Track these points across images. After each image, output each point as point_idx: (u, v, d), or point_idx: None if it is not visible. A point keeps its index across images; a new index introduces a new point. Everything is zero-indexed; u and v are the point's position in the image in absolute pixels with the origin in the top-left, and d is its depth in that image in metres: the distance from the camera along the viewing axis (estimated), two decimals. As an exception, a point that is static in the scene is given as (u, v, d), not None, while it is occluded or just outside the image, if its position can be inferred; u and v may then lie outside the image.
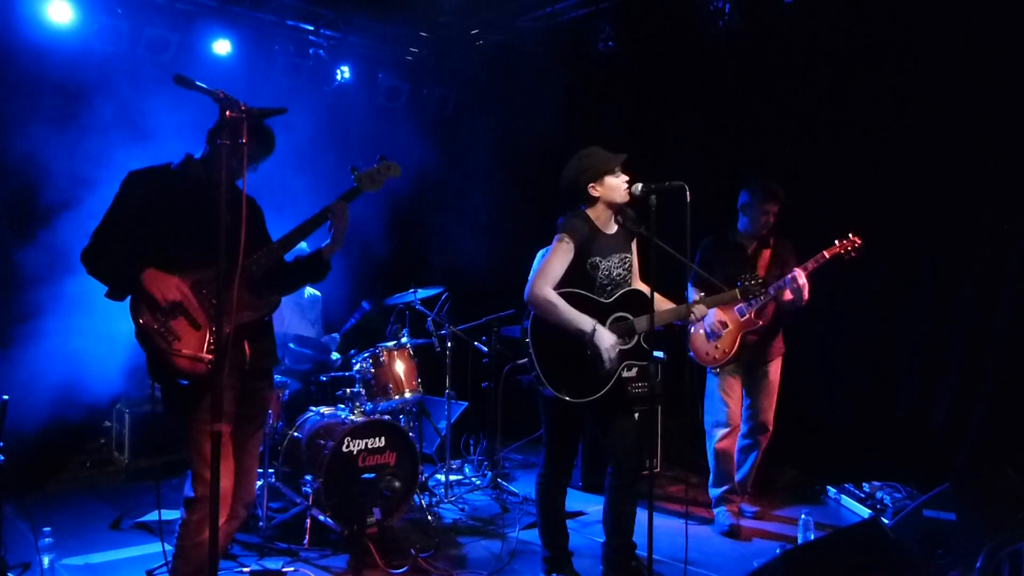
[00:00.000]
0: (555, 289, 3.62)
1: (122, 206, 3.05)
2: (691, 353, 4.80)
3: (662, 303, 3.76)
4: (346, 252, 3.58)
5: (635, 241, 3.91)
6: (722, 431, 4.79)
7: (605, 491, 3.87)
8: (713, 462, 4.86)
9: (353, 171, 3.28)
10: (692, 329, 4.69)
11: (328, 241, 3.29)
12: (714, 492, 4.88)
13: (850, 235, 4.43)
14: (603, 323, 3.62)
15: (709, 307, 3.91)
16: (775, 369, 4.81)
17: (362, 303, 5.59)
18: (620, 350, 3.61)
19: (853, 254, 4.42)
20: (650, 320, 3.47)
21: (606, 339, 3.54)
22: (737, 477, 4.89)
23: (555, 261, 3.64)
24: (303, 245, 3.35)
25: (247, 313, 3.08)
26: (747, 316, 4.61)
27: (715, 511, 4.86)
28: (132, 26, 5.83)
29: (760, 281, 3.93)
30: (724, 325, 4.65)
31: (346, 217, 3.24)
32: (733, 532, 4.68)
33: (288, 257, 3.28)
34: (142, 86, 5.60)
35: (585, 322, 3.55)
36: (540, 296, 3.57)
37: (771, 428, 4.82)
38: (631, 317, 3.68)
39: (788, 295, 4.48)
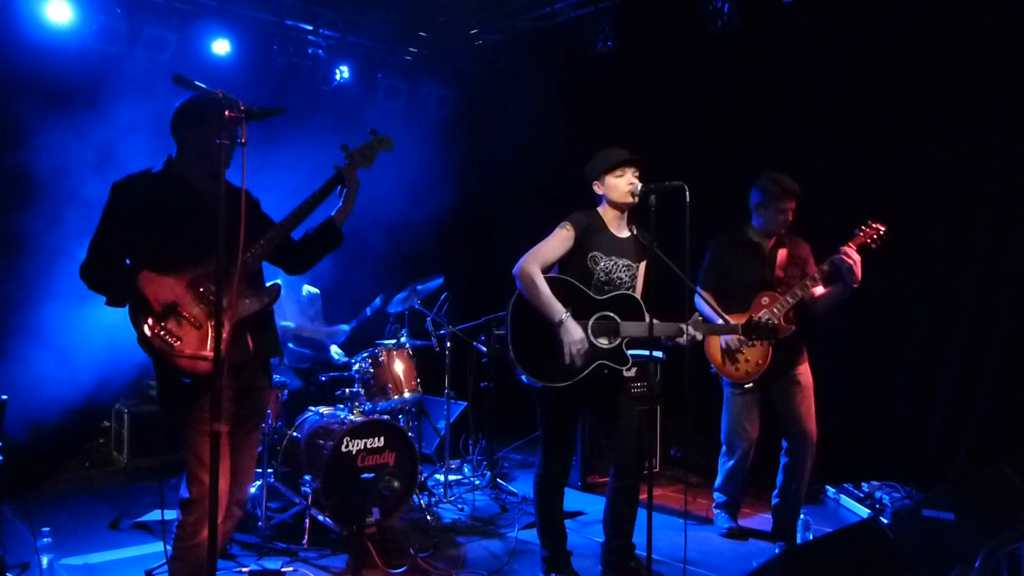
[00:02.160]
0: (553, 273, 3.66)
1: (111, 218, 3.05)
2: (713, 369, 4.49)
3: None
4: (344, 252, 3.57)
5: (646, 262, 3.86)
6: (738, 451, 4.56)
7: (607, 491, 3.88)
8: (722, 476, 4.68)
9: (344, 149, 3.27)
10: (722, 343, 4.39)
11: (339, 205, 3.28)
12: (717, 497, 4.76)
13: (870, 222, 4.17)
14: (588, 317, 3.63)
15: (704, 334, 3.74)
16: (805, 372, 4.44)
17: (376, 299, 5.58)
18: (598, 349, 3.62)
19: (879, 242, 4.15)
20: (648, 327, 3.45)
21: (572, 332, 3.54)
22: (785, 500, 4.50)
23: (551, 244, 3.70)
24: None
25: (248, 304, 3.07)
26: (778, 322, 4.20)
27: (715, 511, 4.80)
28: (131, 26, 5.84)
29: (773, 325, 3.67)
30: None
31: (357, 180, 3.24)
32: (732, 534, 4.63)
33: (295, 235, 3.27)
34: (141, 86, 5.59)
35: (556, 310, 3.56)
36: (526, 272, 3.61)
37: (815, 437, 4.38)
38: (617, 319, 3.67)
39: (820, 291, 4.25)
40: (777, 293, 4.32)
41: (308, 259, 3.42)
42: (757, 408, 4.52)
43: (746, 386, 4.45)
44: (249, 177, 2.66)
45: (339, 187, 3.24)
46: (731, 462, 4.63)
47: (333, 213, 3.31)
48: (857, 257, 4.09)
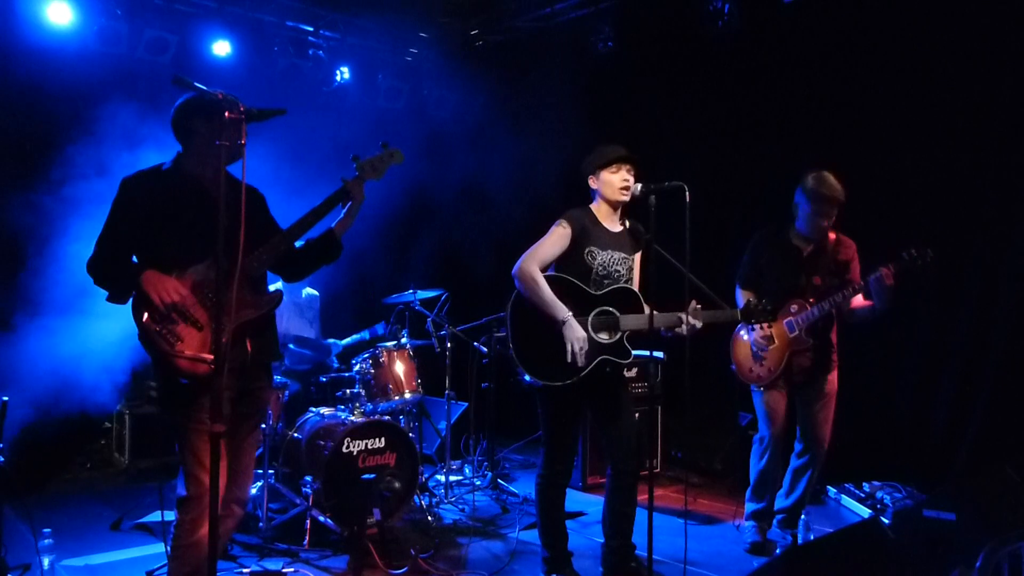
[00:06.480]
0: (550, 272, 3.68)
1: (119, 214, 3.05)
2: (733, 367, 4.43)
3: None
4: (344, 254, 3.57)
5: (640, 253, 3.90)
6: (768, 448, 4.37)
7: (605, 492, 3.88)
8: (755, 477, 4.47)
9: (355, 159, 3.29)
10: (744, 336, 4.36)
11: (341, 217, 3.30)
12: (750, 506, 4.54)
13: (923, 248, 3.90)
14: (587, 314, 3.63)
15: (703, 321, 3.65)
16: (831, 380, 4.34)
17: (379, 325, 5.58)
18: (600, 344, 3.62)
19: (925, 269, 3.91)
20: (649, 319, 3.46)
21: (576, 332, 3.55)
22: (788, 502, 4.44)
23: (548, 242, 3.72)
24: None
25: (249, 311, 3.08)
26: (796, 332, 4.16)
27: (746, 523, 4.57)
28: (131, 27, 5.85)
29: (771, 308, 3.64)
30: (770, 340, 4.19)
31: (362, 194, 3.27)
32: (757, 549, 4.44)
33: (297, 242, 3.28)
34: (141, 87, 5.60)
35: (559, 310, 3.57)
36: (526, 272, 3.63)
37: (827, 444, 4.33)
38: (617, 313, 3.68)
39: (859, 301, 4.09)
40: (808, 303, 4.18)
41: (306, 268, 3.46)
42: (783, 400, 4.34)
43: (759, 386, 4.36)
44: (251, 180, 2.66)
45: (339, 204, 3.25)
46: (761, 463, 4.44)
47: (334, 225, 3.32)
48: (891, 283, 3.90)
